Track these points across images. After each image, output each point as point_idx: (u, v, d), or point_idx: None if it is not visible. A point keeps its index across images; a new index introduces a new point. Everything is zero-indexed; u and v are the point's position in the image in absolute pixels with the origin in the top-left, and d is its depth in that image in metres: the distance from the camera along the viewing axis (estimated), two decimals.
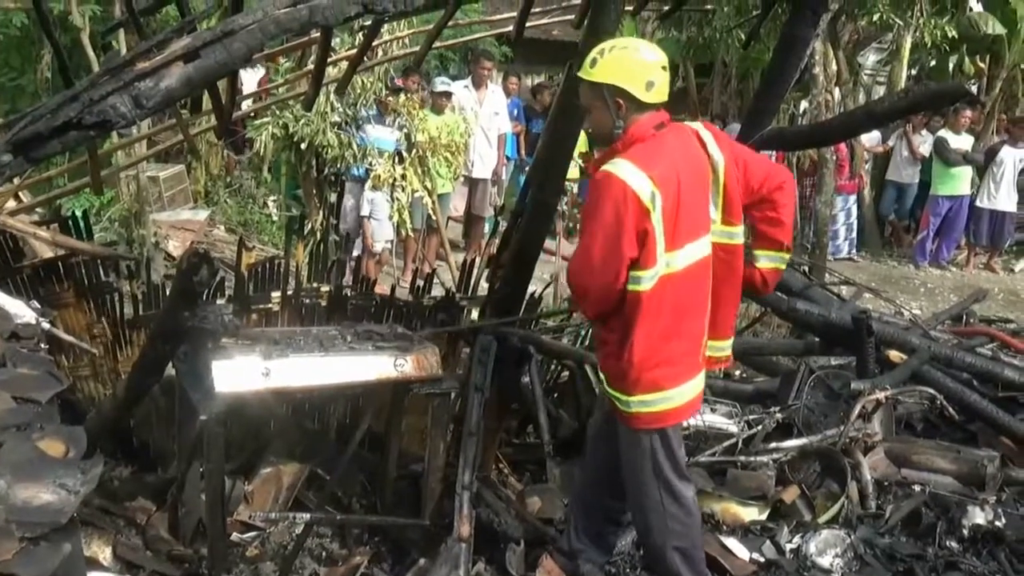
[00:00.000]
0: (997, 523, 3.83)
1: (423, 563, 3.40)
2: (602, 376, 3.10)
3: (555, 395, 4.54)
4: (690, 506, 3.13)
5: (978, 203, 11.22)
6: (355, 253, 7.25)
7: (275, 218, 9.38)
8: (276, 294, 4.12)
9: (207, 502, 3.22)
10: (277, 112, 6.98)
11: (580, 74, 2.96)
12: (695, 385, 3.04)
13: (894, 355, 4.66)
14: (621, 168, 2.80)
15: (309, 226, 6.96)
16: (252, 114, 7.32)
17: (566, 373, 4.52)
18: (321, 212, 7.33)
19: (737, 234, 3.06)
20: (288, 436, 4.05)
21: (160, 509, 3.67)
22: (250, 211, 9.35)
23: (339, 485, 3.82)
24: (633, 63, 2.88)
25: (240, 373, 3.07)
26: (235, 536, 3.56)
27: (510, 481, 4.23)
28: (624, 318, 2.90)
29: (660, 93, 2.91)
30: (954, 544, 3.76)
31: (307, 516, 3.52)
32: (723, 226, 3.03)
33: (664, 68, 2.92)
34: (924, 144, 11.48)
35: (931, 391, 4.52)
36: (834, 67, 10.88)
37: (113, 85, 2.52)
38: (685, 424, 4.28)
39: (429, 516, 3.66)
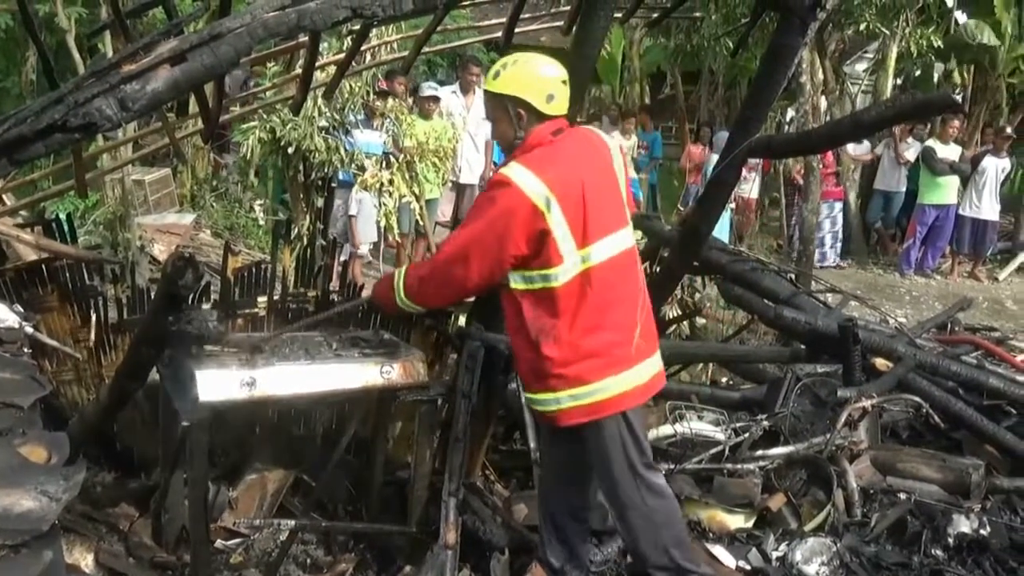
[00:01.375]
0: (982, 531, 3.85)
1: (409, 570, 3.39)
2: (520, 383, 3.11)
3: None
4: (666, 493, 3.17)
5: (961, 211, 11.29)
6: (343, 258, 7.23)
7: (262, 222, 9.35)
8: (262, 299, 4.09)
9: (190, 508, 3.19)
10: (264, 116, 6.95)
11: (484, 86, 3.10)
12: (634, 374, 3.03)
13: (880, 363, 4.68)
14: (515, 172, 2.90)
15: (296, 231, 6.93)
16: (240, 118, 7.30)
17: None
18: (308, 217, 7.30)
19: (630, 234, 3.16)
20: (273, 442, 4.02)
21: (143, 515, 3.64)
22: (236, 215, 9.32)
23: (325, 492, 3.79)
24: (534, 77, 3.00)
25: (225, 382, 3.04)
26: (219, 543, 3.54)
27: (497, 488, 4.21)
28: (537, 316, 2.96)
29: (560, 106, 3.03)
30: (939, 552, 3.76)
31: (292, 523, 3.49)
32: (629, 224, 3.16)
33: (564, 82, 3.04)
34: (910, 150, 11.56)
35: (917, 399, 4.53)
36: (821, 76, 10.94)
37: (99, 87, 2.49)
38: (672, 432, 4.32)
39: (415, 523, 3.64)
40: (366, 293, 3.48)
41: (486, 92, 3.10)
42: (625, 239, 3.07)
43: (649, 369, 3.10)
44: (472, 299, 4.41)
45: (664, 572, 3.13)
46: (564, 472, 3.31)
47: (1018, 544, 3.87)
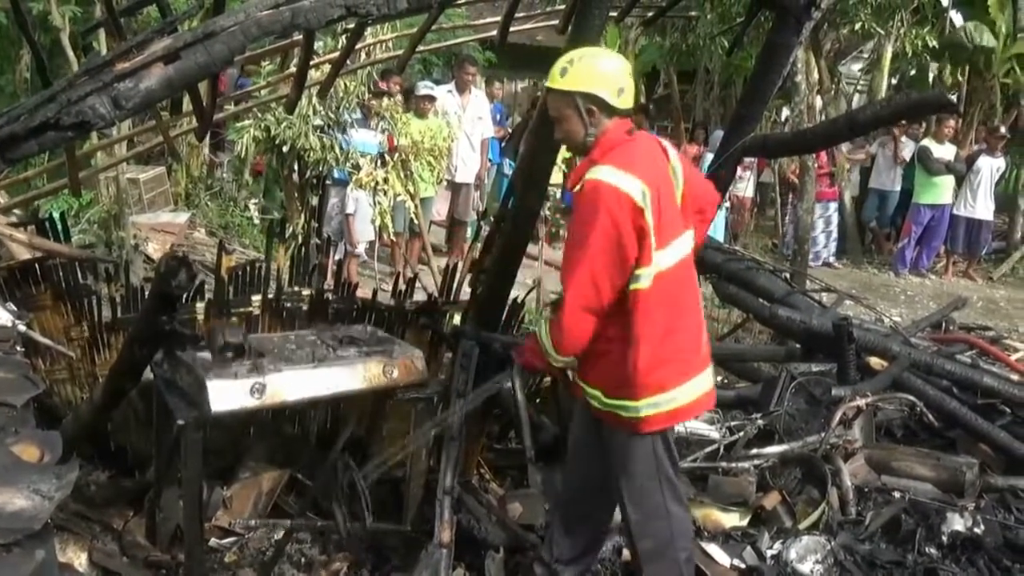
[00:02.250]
0: (976, 530, 3.86)
1: (404, 569, 3.38)
2: (595, 391, 3.03)
3: (537, 401, 4.52)
4: (686, 503, 3.17)
5: (955, 211, 11.32)
6: (337, 257, 7.23)
7: (256, 221, 9.33)
8: (256, 298, 4.09)
9: (185, 507, 3.19)
10: (259, 115, 6.94)
11: (549, 84, 2.98)
12: (700, 381, 3.03)
13: (875, 362, 4.69)
14: (607, 174, 2.82)
15: (291, 229, 6.92)
16: (234, 116, 7.28)
17: (548, 379, 4.51)
18: (303, 215, 7.29)
19: (691, 238, 3.11)
20: (268, 441, 4.02)
21: (137, 514, 3.63)
22: (231, 214, 9.30)
23: (319, 490, 3.79)
24: (604, 70, 2.94)
25: (235, 391, 3.03)
26: (213, 542, 3.54)
27: (491, 487, 4.22)
28: (624, 322, 2.90)
29: (629, 99, 2.97)
30: (933, 551, 3.77)
31: (287, 522, 3.49)
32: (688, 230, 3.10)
33: (630, 75, 3.00)
34: (905, 149, 11.58)
35: (911, 398, 4.54)
36: (816, 75, 10.95)
37: (92, 86, 2.49)
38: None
39: (410, 522, 3.64)
40: (517, 361, 3.30)
41: (551, 91, 2.97)
42: (687, 245, 3.01)
43: (711, 376, 3.10)
44: (472, 293, 4.43)
45: None
46: (593, 474, 3.23)
47: (1012, 542, 3.88)
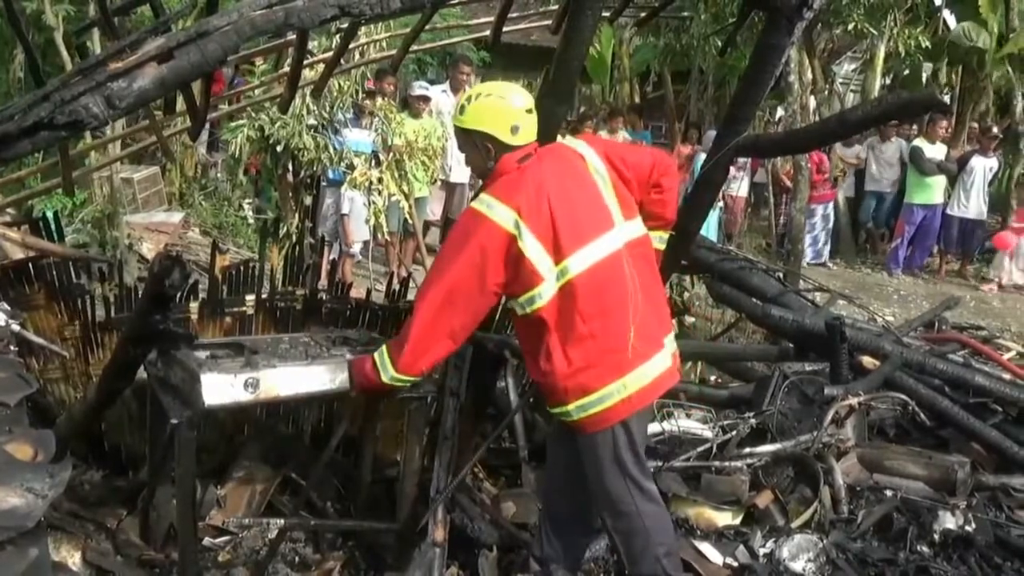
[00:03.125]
0: (967, 528, 3.88)
1: (397, 568, 3.38)
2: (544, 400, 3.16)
3: (530, 400, 4.53)
4: (659, 500, 3.19)
5: (949, 211, 11.36)
6: (332, 257, 7.22)
7: (250, 221, 9.33)
8: (250, 297, 4.09)
9: (178, 507, 3.19)
10: (252, 114, 6.93)
11: (453, 120, 3.17)
12: (635, 378, 3.03)
13: (867, 361, 4.70)
14: (483, 203, 3.00)
15: (284, 229, 6.92)
16: (228, 116, 7.28)
17: None
18: (297, 215, 7.28)
19: (639, 226, 3.18)
20: (262, 440, 4.02)
21: (131, 513, 3.63)
22: (225, 214, 9.30)
23: (313, 490, 3.79)
24: (497, 110, 3.04)
25: (228, 385, 3.04)
26: (207, 541, 3.53)
27: (485, 486, 4.22)
28: (533, 335, 3.03)
29: (526, 135, 3.07)
30: (925, 549, 3.79)
31: (281, 521, 3.49)
32: (625, 222, 3.13)
33: (529, 111, 3.08)
34: (892, 147, 11.61)
35: (903, 397, 4.56)
36: (809, 75, 10.99)
37: (85, 85, 2.49)
38: (660, 429, 4.32)
39: (403, 521, 3.64)
40: (345, 383, 3.22)
41: (455, 127, 3.16)
42: (610, 243, 3.04)
43: (652, 369, 3.08)
44: None
45: None
46: (570, 473, 3.27)
47: (1003, 540, 3.89)
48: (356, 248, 8.20)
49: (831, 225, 11.84)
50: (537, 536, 3.44)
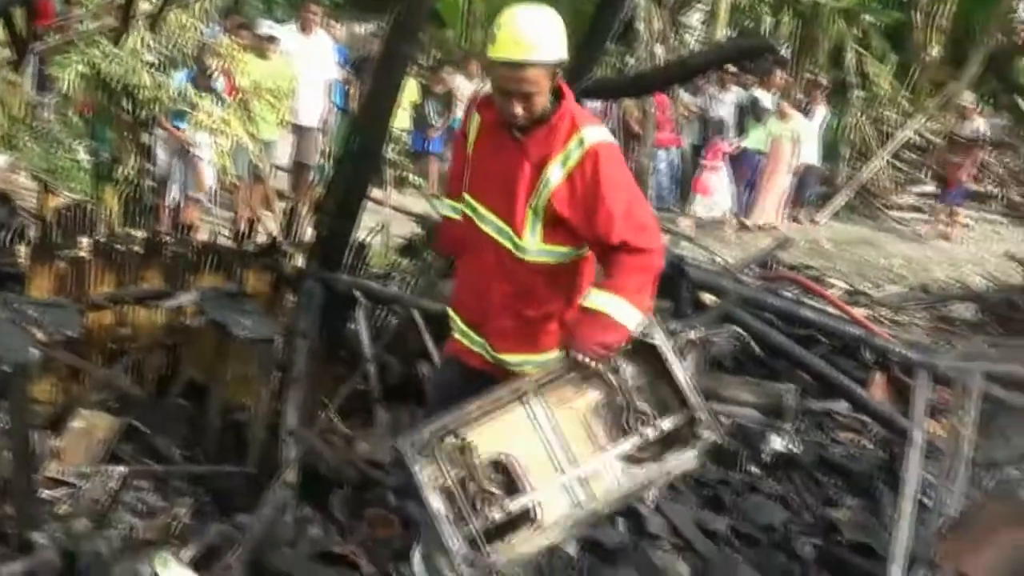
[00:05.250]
0: (793, 449, 4.17)
1: (247, 510, 3.35)
2: (515, 360, 2.87)
3: (383, 342, 4.54)
4: None
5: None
6: (173, 198, 6.94)
7: (85, 165, 8.80)
8: (86, 241, 3.90)
9: (12, 458, 3.05)
10: (84, 49, 6.51)
11: (536, 59, 2.59)
12: None
13: (707, 298, 4.94)
14: (604, 132, 2.79)
15: (122, 171, 6.57)
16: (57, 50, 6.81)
17: (394, 320, 4.53)
18: (134, 157, 6.92)
19: None
20: (100, 389, 3.87)
21: None
22: (57, 157, 8.74)
23: (158, 437, 3.70)
24: (560, 26, 2.67)
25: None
26: (44, 493, 3.39)
27: (338, 427, 4.21)
28: (573, 278, 2.86)
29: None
30: (755, 469, 4.06)
31: (123, 468, 3.39)
32: None
33: None
34: (729, 96, 12.09)
35: (739, 331, 4.82)
36: (657, 24, 11.23)
37: None
38: None
39: (255, 464, 3.61)
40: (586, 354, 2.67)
41: (529, 65, 2.58)
42: None
43: None
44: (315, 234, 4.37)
45: None
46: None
47: (826, 460, 4.22)
48: (200, 193, 7.88)
49: (677, 173, 12.23)
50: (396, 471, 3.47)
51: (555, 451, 2.66)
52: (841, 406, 4.77)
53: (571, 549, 3.34)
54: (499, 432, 2.65)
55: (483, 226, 2.83)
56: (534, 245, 2.76)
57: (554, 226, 2.74)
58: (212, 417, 3.75)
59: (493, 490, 2.56)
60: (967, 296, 7.81)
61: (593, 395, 2.70)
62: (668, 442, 2.69)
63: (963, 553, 3.15)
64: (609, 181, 2.67)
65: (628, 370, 2.70)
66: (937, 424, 4.41)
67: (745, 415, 4.42)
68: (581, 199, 2.68)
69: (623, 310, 2.65)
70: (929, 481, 3.73)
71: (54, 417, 3.70)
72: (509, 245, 2.79)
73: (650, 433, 2.67)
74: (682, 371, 2.72)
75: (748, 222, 11.46)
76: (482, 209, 2.83)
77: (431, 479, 2.55)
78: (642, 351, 2.72)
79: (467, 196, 2.88)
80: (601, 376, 2.68)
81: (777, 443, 4.17)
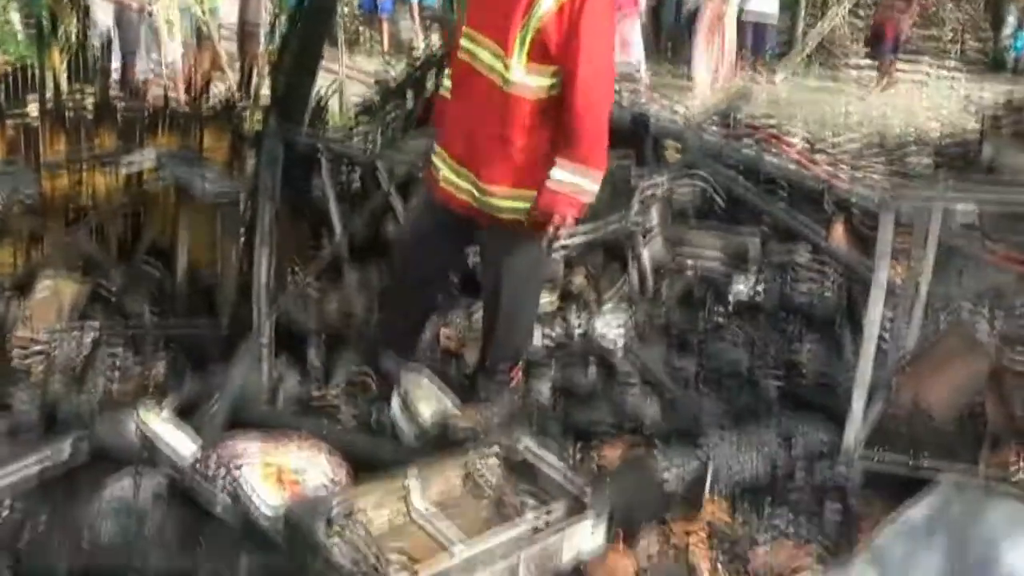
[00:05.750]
0: (757, 293, 4.27)
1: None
2: (501, 193, 3.09)
3: (347, 200, 4.50)
4: None
5: (742, 15, 11.76)
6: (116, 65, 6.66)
7: (20, 33, 8.39)
8: (34, 104, 3.77)
9: None
10: None
11: None
12: None
13: (670, 151, 4.93)
14: None
15: (62, 33, 6.27)
16: None
17: (357, 178, 4.47)
18: (74, 16, 6.60)
19: None
20: (63, 254, 3.81)
21: None
22: None
23: (126, 297, 3.67)
24: None
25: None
26: (16, 356, 3.38)
27: (306, 287, 4.21)
28: (554, 116, 3.04)
29: None
30: (720, 315, 4.16)
31: (95, 324, 3.38)
32: None
33: None
34: None
35: (703, 181, 4.83)
36: None
37: None
38: None
39: (227, 324, 3.61)
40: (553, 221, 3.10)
41: None
42: None
43: None
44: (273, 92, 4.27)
45: (503, 374, 3.35)
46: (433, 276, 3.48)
47: (787, 303, 4.33)
48: (143, 64, 7.56)
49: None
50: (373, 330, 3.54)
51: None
52: (801, 250, 4.84)
53: (545, 393, 3.44)
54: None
55: (478, 56, 3.02)
56: (519, 70, 2.95)
57: (538, 52, 2.94)
58: (179, 279, 3.73)
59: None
60: (923, 144, 7.86)
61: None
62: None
63: (921, 383, 3.27)
64: (591, 18, 2.90)
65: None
66: (896, 265, 4.50)
67: (710, 263, 4.49)
68: (564, 29, 2.91)
69: (586, 178, 3.05)
70: (887, 321, 3.83)
71: (18, 283, 3.66)
72: (499, 73, 2.98)
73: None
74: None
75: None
76: (479, 37, 3.02)
77: None
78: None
79: (466, 29, 3.08)
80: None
81: (741, 288, 4.26)
